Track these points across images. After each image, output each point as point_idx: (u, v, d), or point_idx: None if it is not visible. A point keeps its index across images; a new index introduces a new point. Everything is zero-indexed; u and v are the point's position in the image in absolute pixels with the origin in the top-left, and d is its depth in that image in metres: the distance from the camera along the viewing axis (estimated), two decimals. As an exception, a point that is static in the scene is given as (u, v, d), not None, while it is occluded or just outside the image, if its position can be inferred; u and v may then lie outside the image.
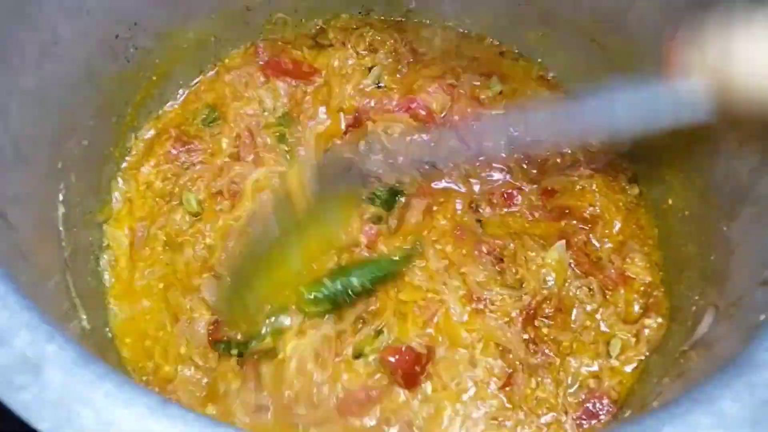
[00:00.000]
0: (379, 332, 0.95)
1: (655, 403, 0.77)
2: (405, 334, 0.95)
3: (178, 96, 1.17)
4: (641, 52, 1.04)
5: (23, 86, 0.81)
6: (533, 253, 1.01)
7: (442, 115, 1.16)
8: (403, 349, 0.93)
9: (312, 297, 0.92)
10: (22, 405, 0.46)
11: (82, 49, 0.93)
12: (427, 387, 0.93)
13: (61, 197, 0.90)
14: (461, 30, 1.27)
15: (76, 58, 0.92)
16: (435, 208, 1.06)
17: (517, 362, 0.94)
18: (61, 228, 0.88)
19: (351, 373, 0.93)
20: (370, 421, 0.90)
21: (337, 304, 0.94)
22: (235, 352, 0.92)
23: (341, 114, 1.16)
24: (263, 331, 0.92)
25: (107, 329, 0.93)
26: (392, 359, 0.92)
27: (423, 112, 1.15)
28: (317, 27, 1.24)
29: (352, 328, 0.95)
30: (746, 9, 0.72)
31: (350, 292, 0.93)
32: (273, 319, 0.92)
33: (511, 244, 1.02)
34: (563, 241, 1.02)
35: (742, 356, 0.54)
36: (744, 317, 0.69)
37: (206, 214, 1.05)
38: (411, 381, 0.92)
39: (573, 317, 0.98)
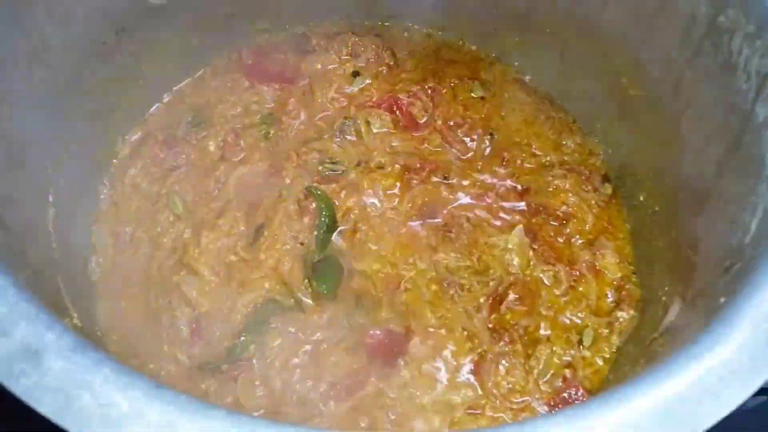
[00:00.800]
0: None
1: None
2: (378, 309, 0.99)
3: (165, 99, 1.20)
4: (612, 54, 1.08)
5: (15, 91, 0.83)
6: (494, 238, 1.05)
7: (424, 120, 1.19)
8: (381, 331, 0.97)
9: None
10: (23, 390, 0.48)
11: (71, 56, 0.95)
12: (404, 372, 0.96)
13: (51, 199, 0.92)
14: (440, 35, 1.31)
15: (66, 64, 0.94)
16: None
17: (484, 348, 0.97)
18: (51, 229, 0.90)
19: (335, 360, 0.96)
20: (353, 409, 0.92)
21: None
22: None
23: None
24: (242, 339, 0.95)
25: (96, 328, 0.94)
26: (371, 340, 0.96)
27: (403, 119, 1.18)
28: (300, 33, 1.27)
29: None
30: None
31: None
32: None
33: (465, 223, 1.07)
34: (521, 226, 1.07)
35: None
36: (707, 304, 0.72)
37: (193, 214, 1.07)
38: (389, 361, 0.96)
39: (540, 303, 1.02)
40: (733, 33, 0.83)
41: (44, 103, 0.91)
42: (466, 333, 0.99)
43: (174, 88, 1.21)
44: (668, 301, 0.89)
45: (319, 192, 1.07)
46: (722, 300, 0.61)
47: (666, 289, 0.93)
